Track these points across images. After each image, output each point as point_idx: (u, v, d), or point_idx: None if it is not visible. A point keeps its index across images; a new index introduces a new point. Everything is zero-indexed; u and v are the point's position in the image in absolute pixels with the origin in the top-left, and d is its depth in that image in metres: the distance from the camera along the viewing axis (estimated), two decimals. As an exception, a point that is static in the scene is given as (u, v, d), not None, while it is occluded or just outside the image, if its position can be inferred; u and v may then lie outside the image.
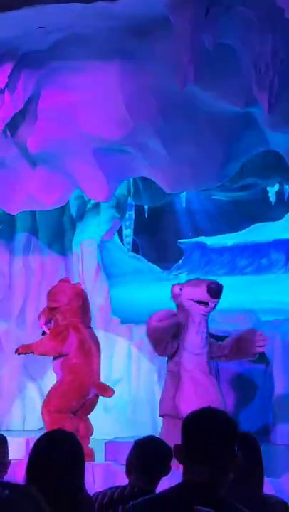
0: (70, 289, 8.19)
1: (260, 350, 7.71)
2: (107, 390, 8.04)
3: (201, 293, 7.35)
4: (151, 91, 8.14)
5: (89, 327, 8.18)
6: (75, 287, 8.28)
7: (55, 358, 8.17)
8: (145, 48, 7.78)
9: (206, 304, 7.37)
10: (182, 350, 7.47)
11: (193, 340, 7.45)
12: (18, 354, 8.41)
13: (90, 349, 8.05)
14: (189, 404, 7.16)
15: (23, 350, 8.31)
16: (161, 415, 7.58)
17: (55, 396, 7.98)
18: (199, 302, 7.37)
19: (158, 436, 6.66)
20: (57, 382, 8.11)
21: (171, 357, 7.58)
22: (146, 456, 3.70)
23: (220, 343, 7.69)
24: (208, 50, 6.89)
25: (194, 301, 7.39)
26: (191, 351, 7.46)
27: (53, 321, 8.21)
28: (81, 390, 7.94)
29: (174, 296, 7.54)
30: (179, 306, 7.53)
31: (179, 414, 7.21)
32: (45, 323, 8.26)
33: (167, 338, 7.44)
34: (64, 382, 7.98)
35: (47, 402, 8.04)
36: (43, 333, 8.29)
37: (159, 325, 7.39)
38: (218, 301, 7.40)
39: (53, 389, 8.06)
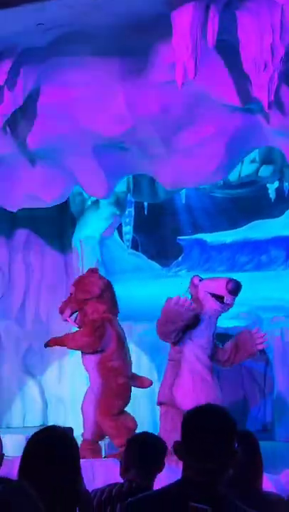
0: (101, 281, 7.92)
1: (260, 347, 7.70)
2: (145, 381, 8.00)
3: (219, 287, 7.33)
4: (151, 88, 8.13)
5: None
6: (104, 279, 8.00)
7: (84, 353, 7.83)
8: (145, 45, 7.77)
9: (221, 299, 7.35)
10: (187, 339, 7.45)
11: (201, 333, 7.44)
12: (47, 347, 8.03)
13: (124, 342, 7.87)
14: (186, 394, 7.18)
15: (54, 343, 7.93)
16: (158, 403, 7.59)
17: (111, 398, 7.70)
18: (215, 296, 7.36)
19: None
20: (100, 384, 7.75)
21: (174, 344, 7.54)
22: (143, 449, 3.73)
23: (221, 347, 7.66)
24: (207, 47, 6.89)
25: (210, 294, 7.37)
26: (196, 342, 7.45)
27: (78, 314, 7.88)
28: (128, 384, 7.83)
29: (192, 286, 7.50)
30: (194, 298, 7.50)
31: (175, 403, 7.22)
32: (70, 316, 7.90)
33: (178, 327, 7.29)
34: (110, 381, 7.71)
35: (106, 408, 7.64)
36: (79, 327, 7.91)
37: (178, 309, 7.24)
38: (234, 299, 7.36)
39: (103, 392, 7.69)
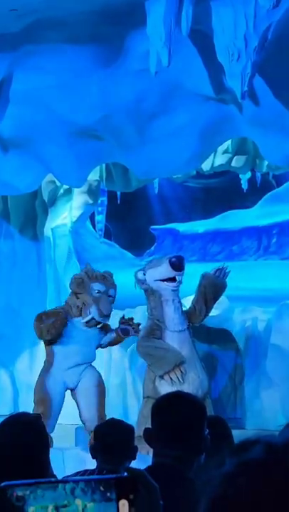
0: None
1: (225, 278, 7.72)
2: None
3: (166, 270, 7.37)
4: (125, 76, 8.10)
5: None
6: None
7: None
8: (119, 33, 7.74)
9: (173, 279, 7.39)
10: (164, 330, 7.46)
11: (173, 318, 7.45)
12: None
13: None
14: (169, 387, 7.18)
15: None
16: (144, 397, 7.61)
17: None
18: (166, 280, 7.39)
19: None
20: None
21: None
22: (106, 437, 3.78)
23: (193, 308, 7.68)
24: (182, 36, 6.88)
25: (161, 281, 7.40)
26: (174, 329, 7.46)
27: None
28: None
29: (140, 283, 7.53)
30: (148, 291, 7.52)
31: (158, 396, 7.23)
32: None
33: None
34: None
35: None
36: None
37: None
38: (183, 273, 7.43)
39: None
